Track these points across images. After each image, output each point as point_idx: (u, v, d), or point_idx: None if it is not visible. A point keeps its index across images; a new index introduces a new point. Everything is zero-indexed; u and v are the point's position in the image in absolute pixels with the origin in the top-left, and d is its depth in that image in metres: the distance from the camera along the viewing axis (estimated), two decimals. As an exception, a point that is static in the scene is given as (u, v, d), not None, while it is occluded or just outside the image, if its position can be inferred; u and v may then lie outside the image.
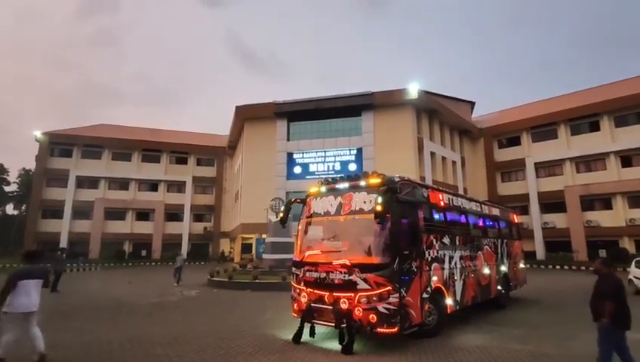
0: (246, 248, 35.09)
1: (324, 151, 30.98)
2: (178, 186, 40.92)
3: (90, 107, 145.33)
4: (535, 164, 32.89)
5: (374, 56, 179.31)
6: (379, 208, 5.71)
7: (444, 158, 33.34)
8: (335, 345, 6.14)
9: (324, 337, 6.81)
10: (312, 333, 6.64)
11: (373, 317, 5.76)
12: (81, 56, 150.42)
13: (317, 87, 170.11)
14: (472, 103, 39.90)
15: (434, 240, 7.20)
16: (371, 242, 6.13)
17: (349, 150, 30.63)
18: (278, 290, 13.38)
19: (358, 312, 5.87)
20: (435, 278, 6.94)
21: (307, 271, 6.67)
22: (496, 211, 10.96)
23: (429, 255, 6.94)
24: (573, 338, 6.81)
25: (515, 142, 35.18)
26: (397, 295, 5.83)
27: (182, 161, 41.90)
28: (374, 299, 5.80)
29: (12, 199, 53.02)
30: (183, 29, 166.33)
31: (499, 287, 9.85)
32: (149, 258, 36.16)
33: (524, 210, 31.84)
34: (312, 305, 6.40)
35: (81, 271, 26.77)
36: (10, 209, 54.27)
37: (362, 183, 6.69)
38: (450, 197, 8.54)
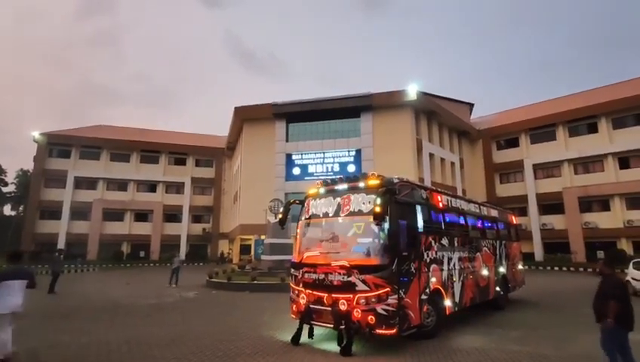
0: (245, 249, 35.05)
1: (323, 153, 30.98)
2: (177, 187, 40.86)
3: (89, 107, 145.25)
4: (533, 165, 32.97)
5: (374, 57, 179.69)
6: (378, 209, 5.71)
7: (442, 160, 33.39)
8: (334, 347, 6.14)
9: (323, 338, 6.80)
10: (311, 335, 6.63)
11: (371, 319, 5.76)
12: (80, 56, 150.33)
13: (316, 87, 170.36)
14: (471, 105, 40.03)
15: (433, 242, 7.20)
16: (370, 243, 6.13)
17: (348, 151, 30.64)
18: (276, 291, 13.38)
19: (356, 313, 5.87)
20: (433, 280, 6.94)
21: (306, 272, 6.67)
22: (494, 212, 10.97)
23: (428, 256, 6.95)
24: (571, 340, 6.82)
25: (513, 143, 35.26)
26: (396, 296, 5.83)
27: (180, 161, 41.85)
28: (373, 300, 5.80)
29: (10, 200, 52.89)
30: (182, 29, 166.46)
31: (497, 289, 9.86)
32: (148, 259, 36.07)
33: (523, 212, 31.90)
34: (311, 306, 6.39)
35: (79, 272, 26.68)
36: (7, 210, 54.17)
37: (361, 185, 6.69)
38: (449, 198, 8.55)
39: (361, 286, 5.90)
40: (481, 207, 10.28)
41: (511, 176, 35.41)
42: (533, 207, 32.18)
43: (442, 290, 7.22)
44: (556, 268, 26.44)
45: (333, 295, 6.11)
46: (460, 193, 30.20)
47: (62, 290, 14.10)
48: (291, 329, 6.76)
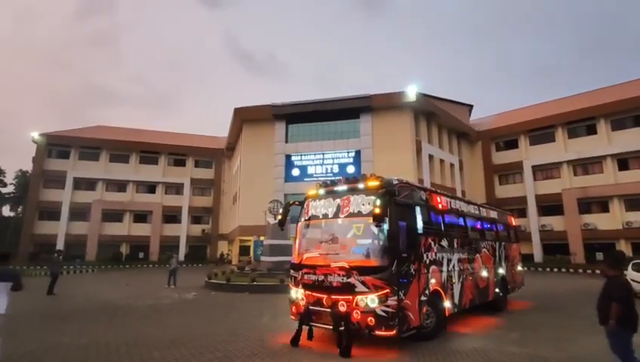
0: (244, 250, 35.03)
1: (323, 154, 31.01)
2: (176, 188, 40.86)
3: (88, 108, 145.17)
4: (532, 166, 33.04)
5: (373, 58, 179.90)
6: (377, 211, 5.71)
7: (442, 161, 33.43)
8: (333, 348, 6.13)
9: (323, 340, 6.79)
10: (310, 336, 6.63)
11: (371, 320, 5.76)
12: (79, 56, 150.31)
13: (316, 88, 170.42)
14: (470, 106, 40.11)
15: (432, 243, 7.21)
16: (370, 245, 6.14)
17: (348, 152, 30.67)
18: (276, 293, 13.38)
19: (356, 315, 5.87)
20: (433, 281, 6.95)
21: (305, 273, 6.67)
22: (494, 214, 10.99)
23: (427, 257, 6.95)
24: (571, 341, 6.82)
25: (512, 145, 35.34)
26: (395, 298, 5.83)
27: (180, 162, 41.85)
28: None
29: (9, 200, 52.75)
30: (181, 30, 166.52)
31: (497, 290, 9.86)
32: (147, 260, 36.06)
33: (522, 213, 31.97)
34: (311, 307, 6.39)
35: (77, 273, 26.63)
36: (6, 210, 54.01)
37: (361, 186, 6.70)
38: (449, 199, 8.56)
39: (360, 288, 5.90)
40: (481, 208, 10.29)
41: (510, 177, 35.48)
42: (532, 208, 32.24)
43: (442, 292, 7.22)
44: (555, 270, 26.48)
45: (333, 296, 6.11)
46: (459, 194, 30.23)
47: (61, 292, 14.06)
48: (291, 330, 6.76)
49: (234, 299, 12.73)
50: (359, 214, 6.43)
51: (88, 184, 38.32)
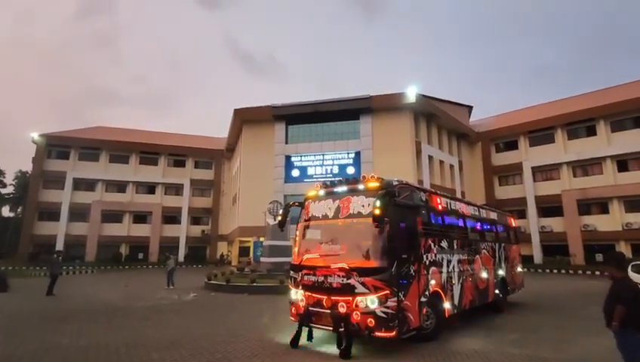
0: (244, 251, 35.00)
1: (323, 155, 31.02)
2: (176, 189, 40.84)
3: (88, 108, 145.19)
4: (532, 168, 33.04)
5: (373, 59, 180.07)
6: (377, 212, 5.71)
7: (441, 162, 33.44)
8: (333, 349, 6.13)
9: (322, 341, 6.79)
10: (310, 337, 6.61)
11: (371, 321, 5.76)
12: (79, 57, 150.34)
13: (316, 89, 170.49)
14: (470, 107, 40.13)
15: (432, 244, 7.20)
16: (369, 246, 6.14)
17: (347, 153, 30.68)
18: (275, 294, 13.37)
19: (356, 316, 5.86)
20: (433, 282, 6.94)
21: (305, 274, 6.66)
22: (493, 215, 10.99)
23: (427, 259, 6.95)
24: (571, 343, 6.82)
25: (512, 146, 35.35)
26: (395, 299, 5.83)
27: (180, 163, 41.83)
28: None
29: (8, 201, 52.71)
30: (181, 31, 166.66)
31: (496, 291, 9.85)
32: (146, 261, 36.02)
33: (522, 214, 31.97)
34: (310, 308, 6.38)
35: (77, 274, 26.59)
36: (6, 211, 53.98)
37: (360, 187, 6.70)
38: (448, 201, 8.56)
39: (360, 289, 5.90)
40: (480, 209, 10.28)
41: (510, 178, 35.49)
42: (532, 209, 32.24)
43: (441, 293, 7.21)
44: (555, 271, 26.46)
45: (333, 297, 6.11)
46: (459, 195, 30.27)
47: (60, 292, 14.04)
48: (290, 331, 6.75)
49: (233, 300, 12.72)
50: (359, 215, 6.43)
51: (88, 185, 38.30)
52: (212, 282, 16.34)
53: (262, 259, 19.63)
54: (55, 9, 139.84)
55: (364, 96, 30.56)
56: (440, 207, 7.99)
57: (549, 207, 31.68)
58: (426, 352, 6.15)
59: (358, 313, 5.84)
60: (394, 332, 5.78)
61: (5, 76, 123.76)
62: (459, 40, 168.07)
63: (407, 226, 6.46)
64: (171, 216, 39.82)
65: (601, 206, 29.58)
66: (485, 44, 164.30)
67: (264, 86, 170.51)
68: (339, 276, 6.11)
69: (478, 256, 9.13)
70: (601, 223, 28.82)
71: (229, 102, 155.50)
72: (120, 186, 39.26)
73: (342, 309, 5.96)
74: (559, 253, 29.48)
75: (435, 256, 7.24)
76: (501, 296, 10.13)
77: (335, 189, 7.07)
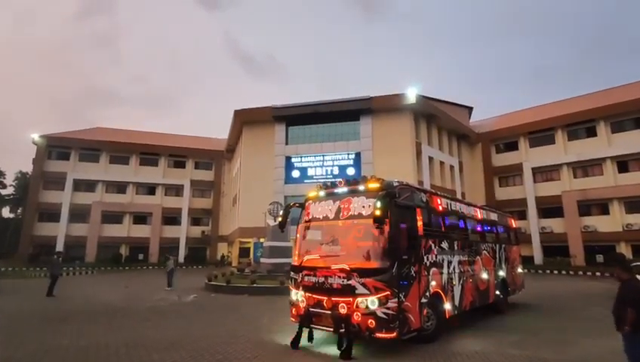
0: (244, 252, 34.98)
1: (323, 156, 31.02)
2: (176, 190, 40.82)
3: (88, 109, 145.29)
4: (532, 168, 33.03)
5: (373, 60, 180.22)
6: (378, 213, 5.71)
7: (442, 163, 33.43)
8: (333, 350, 6.12)
9: (323, 342, 6.78)
10: (311, 338, 6.61)
11: (371, 322, 5.75)
12: (79, 57, 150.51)
13: (316, 90, 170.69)
14: (470, 108, 40.16)
15: (432, 245, 7.20)
16: (370, 247, 6.13)
17: (348, 154, 30.69)
18: (276, 294, 13.35)
19: (356, 317, 5.85)
20: (433, 283, 6.94)
21: (306, 275, 6.66)
22: (494, 216, 10.98)
23: (428, 260, 6.94)
24: (571, 344, 6.81)
25: (512, 147, 35.34)
26: (396, 300, 5.82)
27: (180, 164, 41.82)
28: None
29: (8, 202, 52.74)
30: (181, 31, 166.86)
31: (497, 292, 9.84)
32: (146, 262, 35.98)
33: (522, 215, 31.95)
34: (311, 309, 6.38)
35: (77, 274, 26.58)
36: (6, 212, 54.00)
37: (361, 188, 6.70)
38: (449, 201, 8.55)
39: (361, 290, 5.89)
40: (481, 210, 10.28)
41: (510, 179, 35.48)
42: (532, 210, 32.22)
43: (442, 294, 7.21)
44: (555, 272, 26.43)
45: (333, 298, 6.10)
46: (459, 196, 30.25)
47: (60, 293, 14.04)
48: (291, 332, 6.74)
49: (234, 301, 12.70)
50: (360, 216, 6.43)
51: (88, 185, 38.29)
52: (212, 283, 16.32)
53: (262, 260, 19.61)
54: (55, 9, 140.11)
55: (364, 97, 30.59)
56: (440, 208, 7.98)
57: (550, 208, 31.66)
58: (427, 353, 6.14)
59: (359, 314, 5.84)
60: (394, 333, 5.77)
61: (5, 76, 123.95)
62: (459, 41, 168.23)
63: (407, 227, 6.46)
64: (171, 217, 39.79)
65: (601, 207, 29.57)
66: (485, 45, 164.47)
67: (264, 87, 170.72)
68: (339, 277, 6.11)
69: (478, 256, 9.12)
70: (601, 224, 28.80)
71: (229, 102, 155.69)
72: (120, 187, 39.26)
73: (342, 310, 5.96)
74: (559, 253, 29.44)
75: (436, 257, 7.24)
76: (502, 296, 10.12)
77: (335, 190, 7.06)
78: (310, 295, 6.45)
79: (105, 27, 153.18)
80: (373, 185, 6.53)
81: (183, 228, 39.38)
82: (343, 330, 5.90)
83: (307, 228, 7.26)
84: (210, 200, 42.00)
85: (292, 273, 7.15)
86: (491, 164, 36.15)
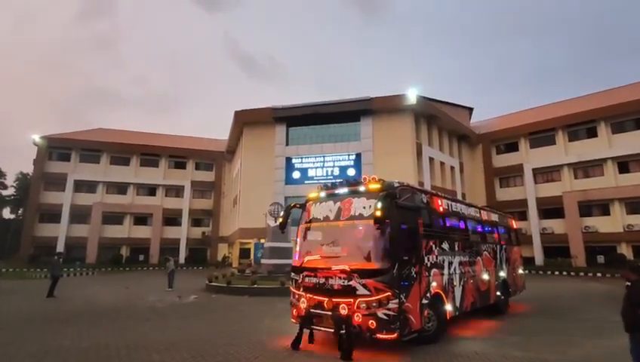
0: (244, 253, 34.98)
1: (323, 157, 31.02)
2: (176, 191, 40.83)
3: (89, 110, 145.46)
4: (533, 169, 33.00)
5: (373, 61, 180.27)
6: (378, 213, 5.71)
7: (442, 164, 33.41)
8: (334, 351, 6.11)
9: (323, 343, 6.77)
10: (311, 339, 6.60)
11: (372, 323, 5.74)
12: (80, 59, 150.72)
13: (316, 91, 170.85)
14: (471, 109, 40.15)
15: (433, 246, 7.19)
16: (371, 247, 6.12)
17: (348, 155, 30.68)
18: (276, 295, 13.33)
19: (357, 318, 5.84)
20: (434, 284, 6.93)
21: (306, 276, 6.65)
22: (494, 217, 10.97)
23: (429, 260, 6.93)
24: (573, 345, 6.79)
25: (513, 147, 35.31)
26: (396, 301, 5.81)
27: (180, 165, 41.83)
28: (374, 304, 5.78)
29: (9, 203, 52.82)
30: (182, 33, 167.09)
31: (498, 293, 9.83)
32: (147, 263, 35.98)
33: (523, 216, 31.90)
34: (311, 310, 6.37)
35: (78, 275, 26.57)
36: (7, 213, 54.07)
37: (362, 188, 6.70)
38: (449, 202, 8.54)
39: (361, 291, 5.88)
40: (481, 211, 10.27)
41: (511, 180, 35.44)
42: (533, 211, 32.18)
43: (443, 295, 7.20)
44: (556, 273, 26.38)
45: (334, 299, 6.09)
46: (459, 197, 30.20)
47: (61, 294, 14.04)
48: (291, 333, 6.74)
49: (234, 302, 12.69)
50: (360, 217, 6.42)
51: (89, 186, 38.32)
52: (213, 284, 16.32)
53: (263, 261, 19.60)
54: (56, 10, 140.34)
55: (364, 98, 30.60)
56: (441, 209, 7.98)
57: (550, 209, 31.63)
58: (428, 354, 6.13)
59: (360, 315, 5.83)
60: (395, 334, 5.76)
61: (6, 77, 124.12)
62: (459, 41, 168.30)
63: (408, 228, 6.45)
64: (172, 218, 39.78)
65: (602, 207, 29.53)
66: (486, 46, 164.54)
67: (264, 88, 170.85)
68: (340, 278, 6.10)
69: (479, 257, 9.11)
70: (602, 225, 28.75)
71: (229, 103, 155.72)
72: (121, 188, 39.28)
73: (343, 311, 5.95)
74: (560, 254, 29.40)
75: (437, 258, 7.23)
76: (502, 297, 10.11)
77: (336, 191, 7.06)
78: (311, 296, 6.44)
79: (105, 29, 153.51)
80: (374, 186, 6.52)
81: (183, 229, 39.38)
82: (343, 331, 5.89)
83: (308, 229, 7.25)
84: (210, 201, 41.99)
85: (293, 274, 7.13)
86: (492, 165, 36.11)
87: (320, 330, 6.44)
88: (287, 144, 32.05)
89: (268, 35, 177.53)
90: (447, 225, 8.09)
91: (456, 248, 8.13)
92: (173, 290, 16.02)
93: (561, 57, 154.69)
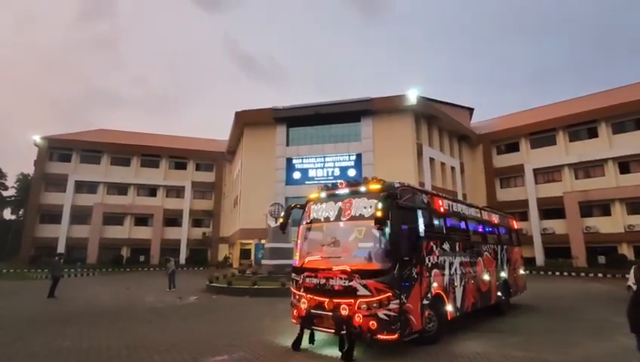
0: (245, 253, 34.97)
1: (324, 157, 31.03)
2: (177, 191, 40.85)
3: (90, 111, 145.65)
4: (534, 170, 32.98)
5: (373, 62, 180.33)
6: (379, 214, 5.71)
7: (443, 164, 33.39)
8: (335, 352, 6.10)
9: (324, 344, 6.77)
10: (312, 340, 6.59)
11: (373, 324, 5.73)
12: (80, 60, 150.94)
13: (316, 91, 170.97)
14: (471, 109, 40.14)
15: (434, 247, 7.18)
16: (371, 248, 6.12)
17: (349, 156, 30.68)
18: (277, 296, 13.33)
19: (358, 319, 5.83)
20: (435, 284, 6.92)
21: (307, 277, 6.63)
22: (495, 217, 10.95)
23: (429, 261, 6.92)
24: (574, 345, 6.78)
25: (513, 148, 35.28)
26: (397, 301, 5.80)
27: (181, 166, 41.86)
28: (374, 305, 5.77)
29: (10, 204, 52.85)
30: (182, 34, 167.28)
31: (499, 293, 9.82)
32: (147, 263, 35.98)
33: (524, 216, 31.84)
34: (312, 311, 6.36)
35: (78, 276, 26.59)
36: (7, 214, 54.10)
37: (362, 189, 6.69)
38: (450, 203, 8.53)
39: (362, 291, 5.87)
40: (482, 211, 10.26)
41: (511, 180, 35.41)
42: (533, 211, 32.14)
43: (444, 295, 7.19)
44: (557, 273, 26.35)
45: (335, 300, 6.08)
46: (460, 197, 30.18)
47: (62, 295, 14.05)
48: (292, 334, 6.73)
49: (235, 303, 12.69)
50: (361, 217, 6.41)
51: (89, 187, 38.36)
52: (214, 285, 16.31)
53: (263, 262, 19.60)
54: (56, 11, 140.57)
55: (365, 99, 30.60)
56: (442, 209, 7.97)
57: (551, 209, 31.59)
58: (429, 355, 6.12)
59: (360, 315, 5.81)
60: (396, 335, 5.75)
61: (7, 78, 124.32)
62: (459, 41, 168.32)
63: (409, 228, 6.45)
64: (172, 219, 39.79)
65: (603, 208, 29.49)
66: (486, 46, 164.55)
67: (264, 88, 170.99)
68: (341, 278, 6.09)
69: (480, 258, 9.10)
70: (603, 225, 28.72)
71: (230, 104, 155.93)
72: (121, 189, 39.31)
73: (344, 312, 5.93)
74: (561, 255, 29.36)
75: (437, 259, 7.22)
76: (503, 298, 10.10)
77: (337, 191, 7.05)
78: (312, 296, 6.43)
79: (105, 29, 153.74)
80: (375, 187, 6.51)
81: (184, 229, 39.40)
82: (344, 332, 5.88)
83: (308, 229, 7.24)
84: (211, 201, 41.99)
85: (293, 274, 7.12)
86: (492, 165, 36.09)
87: (321, 331, 6.43)
88: (287, 144, 32.06)
89: (268, 36, 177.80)
90: (448, 225, 8.07)
91: (457, 248, 8.12)
92: (174, 291, 16.03)
93: (561, 57, 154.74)
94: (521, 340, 7.19)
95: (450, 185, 33.25)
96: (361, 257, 6.17)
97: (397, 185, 6.63)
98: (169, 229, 39.16)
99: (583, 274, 25.28)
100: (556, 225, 31.06)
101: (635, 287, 12.06)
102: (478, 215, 9.86)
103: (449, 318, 7.31)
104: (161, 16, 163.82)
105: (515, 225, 12.58)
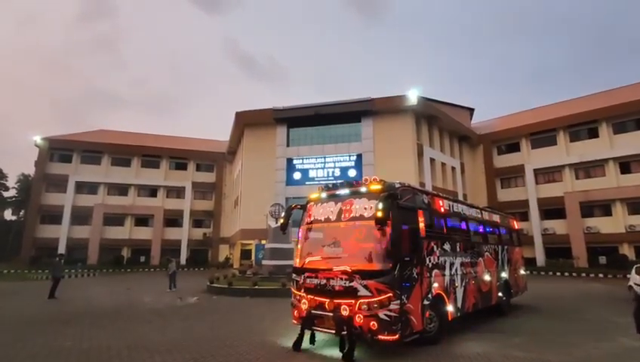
0: (245, 254, 34.97)
1: (324, 157, 31.03)
2: (177, 192, 40.88)
3: (90, 112, 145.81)
4: (534, 170, 32.95)
5: (374, 63, 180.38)
6: (379, 214, 5.70)
7: (443, 164, 33.39)
8: (336, 353, 6.10)
9: (325, 344, 6.76)
10: (313, 340, 6.58)
11: (373, 324, 5.72)
12: (80, 61, 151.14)
13: (317, 92, 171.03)
14: (472, 110, 40.13)
15: (435, 247, 7.18)
16: (372, 248, 6.11)
17: (349, 156, 30.68)
18: (277, 297, 13.32)
19: (358, 319, 5.83)
20: (435, 285, 6.91)
21: (307, 277, 6.63)
22: (496, 217, 10.94)
23: (430, 261, 6.92)
24: (576, 346, 6.76)
25: (514, 148, 35.26)
26: (398, 302, 5.79)
27: (181, 166, 41.89)
28: (375, 305, 5.77)
29: (10, 204, 52.89)
30: (182, 35, 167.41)
31: (500, 294, 9.80)
32: (148, 264, 35.99)
33: (524, 217, 31.83)
34: (313, 311, 6.35)
35: (79, 277, 26.61)
36: (8, 214, 54.14)
37: (363, 189, 6.68)
38: (451, 203, 8.53)
39: (363, 292, 5.87)
40: (483, 211, 10.25)
41: (512, 180, 35.38)
42: (534, 211, 32.11)
43: (444, 296, 7.18)
44: (558, 274, 26.32)
45: (335, 300, 6.07)
46: (460, 198, 30.17)
47: (62, 295, 14.05)
48: (293, 334, 6.73)
49: (236, 303, 12.68)
50: (361, 218, 6.40)
51: (90, 188, 38.38)
52: (214, 285, 16.30)
53: (264, 262, 19.58)
54: (57, 11, 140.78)
55: (365, 99, 30.60)
56: (442, 210, 7.96)
57: (552, 210, 31.55)
58: (429, 355, 6.11)
59: (361, 316, 5.81)
60: (397, 336, 5.75)
61: (7, 78, 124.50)
62: (459, 42, 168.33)
63: (409, 229, 6.45)
64: (173, 219, 39.81)
65: (604, 208, 29.44)
66: (486, 46, 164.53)
67: (265, 89, 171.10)
68: (341, 279, 6.08)
69: (480, 258, 9.09)
70: (604, 225, 28.67)
71: (230, 104, 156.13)
72: (122, 189, 39.33)
73: (344, 312, 5.93)
74: (562, 255, 29.32)
75: (438, 259, 7.21)
76: (504, 298, 10.08)
77: (337, 192, 7.04)
78: (312, 297, 6.42)
79: (106, 30, 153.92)
80: (375, 187, 6.51)
81: (184, 230, 39.42)
82: (345, 332, 5.88)
83: (309, 229, 7.23)
84: (211, 202, 42.01)
85: (294, 275, 7.11)
86: (493, 166, 36.07)
87: (321, 331, 6.43)
88: (288, 145, 32.08)
89: (268, 36, 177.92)
90: (449, 225, 8.07)
91: (458, 249, 8.11)
92: (174, 291, 16.03)
93: (561, 57, 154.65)
94: (523, 341, 7.18)
95: (450, 186, 33.24)
96: (361, 258, 6.16)
97: (397, 185, 6.63)
98: (169, 230, 39.18)
99: (583, 274, 25.25)
100: (557, 226, 31.02)
101: (635, 287, 12.07)
102: (479, 215, 9.85)
103: (450, 319, 7.29)
104: (161, 17, 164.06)
105: (516, 225, 12.57)
